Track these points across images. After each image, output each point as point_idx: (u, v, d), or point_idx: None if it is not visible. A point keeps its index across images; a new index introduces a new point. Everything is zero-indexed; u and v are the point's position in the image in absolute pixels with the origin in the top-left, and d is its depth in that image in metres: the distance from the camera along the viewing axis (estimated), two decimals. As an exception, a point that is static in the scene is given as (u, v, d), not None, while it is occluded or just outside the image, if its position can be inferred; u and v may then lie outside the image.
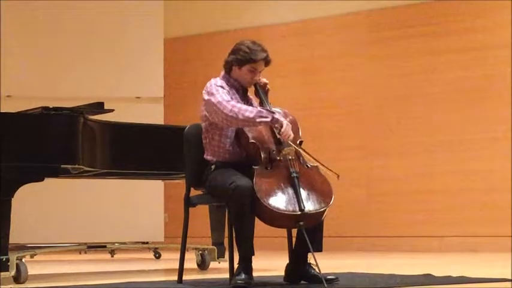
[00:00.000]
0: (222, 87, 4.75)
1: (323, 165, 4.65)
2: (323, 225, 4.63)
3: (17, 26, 8.56)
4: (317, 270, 4.52)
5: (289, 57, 9.99)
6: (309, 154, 4.67)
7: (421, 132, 9.25)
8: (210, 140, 4.79)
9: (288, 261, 4.78)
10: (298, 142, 4.74)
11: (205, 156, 4.81)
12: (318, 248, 4.59)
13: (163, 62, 9.00)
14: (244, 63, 4.77)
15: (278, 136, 4.64)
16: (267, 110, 4.67)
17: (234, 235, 4.54)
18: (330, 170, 4.60)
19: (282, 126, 4.59)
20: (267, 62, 4.80)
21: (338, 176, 4.56)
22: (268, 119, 4.59)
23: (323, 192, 4.54)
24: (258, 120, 4.58)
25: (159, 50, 8.95)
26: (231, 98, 4.71)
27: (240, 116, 4.58)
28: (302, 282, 4.66)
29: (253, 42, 4.81)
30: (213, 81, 4.81)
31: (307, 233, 4.40)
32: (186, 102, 9.51)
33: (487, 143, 8.89)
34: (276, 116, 4.63)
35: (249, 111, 4.59)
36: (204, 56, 10.19)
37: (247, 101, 4.91)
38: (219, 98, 4.66)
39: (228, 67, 4.85)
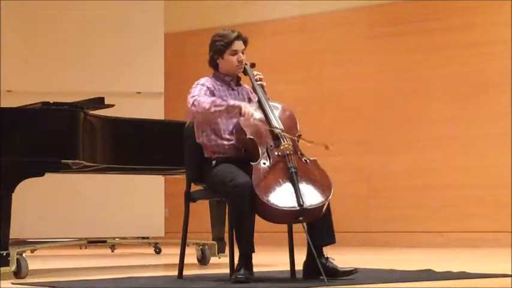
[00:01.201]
0: (201, 84, 4.78)
1: (306, 140, 4.63)
2: (331, 216, 4.61)
3: (17, 21, 8.55)
4: (334, 263, 4.55)
5: (290, 53, 9.99)
6: (306, 140, 4.66)
7: (421, 128, 9.25)
8: (205, 140, 4.79)
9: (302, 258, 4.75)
10: (296, 135, 4.74)
11: (205, 155, 4.81)
12: (331, 240, 4.61)
13: (164, 57, 8.99)
14: (222, 51, 4.82)
15: (241, 118, 4.63)
16: (222, 99, 4.68)
17: (234, 231, 4.54)
18: (316, 143, 4.58)
19: (240, 109, 4.59)
20: (244, 40, 4.84)
21: (327, 147, 4.56)
22: (223, 107, 4.61)
23: (322, 186, 4.54)
24: (212, 110, 4.61)
25: (160, 45, 8.94)
26: (207, 95, 4.72)
27: (200, 109, 4.63)
28: (321, 277, 4.46)
29: (222, 30, 4.87)
30: (198, 80, 4.83)
31: (316, 227, 4.42)
32: (186, 97, 9.51)
33: (488, 139, 8.89)
34: (231, 102, 4.64)
35: (206, 102, 4.62)
36: (205, 51, 10.03)
37: (243, 94, 4.90)
38: (189, 95, 4.71)
39: (214, 64, 4.89)
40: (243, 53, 4.85)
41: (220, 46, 4.81)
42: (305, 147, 4.76)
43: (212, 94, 4.78)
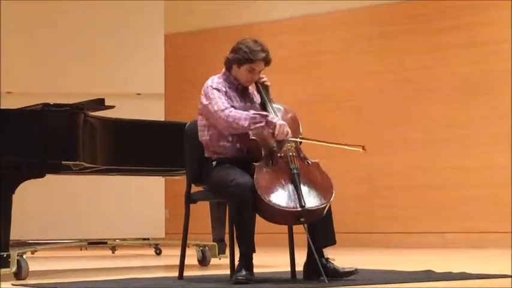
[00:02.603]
0: (218, 89, 4.75)
1: (341, 144, 4.65)
2: (331, 217, 4.63)
3: (17, 21, 8.55)
4: (335, 264, 4.57)
5: (291, 53, 9.98)
6: (318, 141, 4.67)
7: (422, 128, 9.25)
8: (208, 139, 4.79)
9: (304, 260, 4.74)
10: (298, 138, 4.75)
11: (206, 155, 4.81)
12: (332, 242, 4.63)
13: (164, 58, 8.99)
14: (243, 62, 4.77)
15: (275, 137, 4.62)
16: (259, 114, 4.65)
17: (234, 232, 4.54)
18: (350, 145, 4.65)
19: (275, 128, 4.58)
20: (266, 62, 4.79)
21: (363, 147, 4.65)
22: (263, 123, 4.61)
23: (323, 188, 4.55)
24: (252, 127, 4.60)
25: (160, 46, 8.94)
26: (227, 100, 4.71)
27: (235, 125, 4.62)
28: (321, 277, 4.47)
29: (254, 41, 4.79)
30: (210, 81, 4.82)
31: (317, 228, 4.43)
32: (186, 98, 9.49)
33: (488, 139, 8.89)
34: (269, 118, 4.62)
35: (242, 119, 4.60)
36: (205, 52, 10.18)
37: (248, 96, 4.91)
38: (215, 107, 4.67)
39: (228, 65, 4.85)
40: (259, 72, 4.83)
41: (242, 57, 4.76)
42: (307, 150, 4.77)
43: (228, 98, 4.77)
